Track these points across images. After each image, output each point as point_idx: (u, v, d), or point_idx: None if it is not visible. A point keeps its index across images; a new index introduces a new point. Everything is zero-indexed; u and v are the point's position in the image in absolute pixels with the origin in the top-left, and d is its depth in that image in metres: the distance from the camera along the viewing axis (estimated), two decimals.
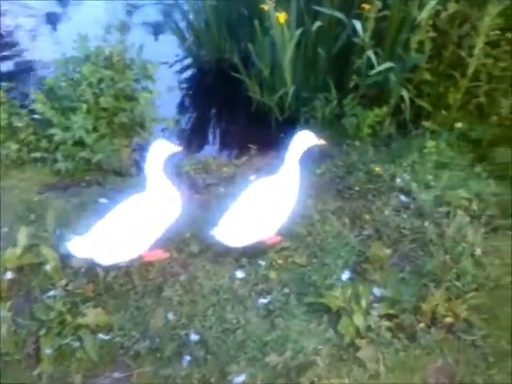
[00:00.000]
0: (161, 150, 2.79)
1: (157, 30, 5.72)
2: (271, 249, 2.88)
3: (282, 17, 4.13)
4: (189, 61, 5.43)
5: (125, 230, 2.68)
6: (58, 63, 4.09)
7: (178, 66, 5.41)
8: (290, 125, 4.50)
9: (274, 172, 2.93)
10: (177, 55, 5.46)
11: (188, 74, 5.40)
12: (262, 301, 2.62)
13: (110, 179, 3.64)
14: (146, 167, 2.79)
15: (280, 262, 2.82)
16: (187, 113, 4.98)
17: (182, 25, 5.29)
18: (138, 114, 3.99)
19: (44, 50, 5.13)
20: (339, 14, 4.16)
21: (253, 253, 2.89)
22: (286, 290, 2.67)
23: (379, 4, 3.88)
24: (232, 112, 4.82)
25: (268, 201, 2.82)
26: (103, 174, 3.70)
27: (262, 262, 2.82)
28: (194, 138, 4.62)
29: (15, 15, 5.43)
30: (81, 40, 4.12)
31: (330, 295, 2.51)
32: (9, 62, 5.11)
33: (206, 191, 3.50)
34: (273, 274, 2.74)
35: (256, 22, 4.33)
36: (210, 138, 4.72)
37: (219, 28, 5.10)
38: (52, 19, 5.52)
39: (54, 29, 5.21)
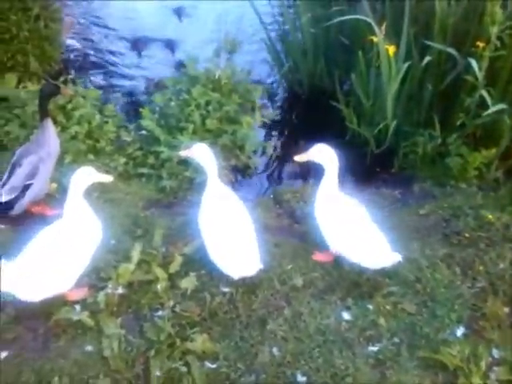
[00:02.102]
0: (84, 177, 2.72)
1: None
2: (377, 292, 2.81)
3: (391, 49, 4.08)
4: (283, 84, 5.44)
5: (46, 261, 2.55)
6: (169, 82, 4.24)
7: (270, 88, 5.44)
8: (386, 158, 4.42)
9: None
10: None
11: (281, 97, 5.41)
12: (372, 348, 2.54)
13: None
14: (68, 193, 2.71)
15: (388, 307, 2.73)
16: (278, 138, 4.95)
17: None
18: (240, 136, 4.05)
19: None
20: (451, 50, 4.06)
21: (358, 294, 2.83)
22: (396, 340, 2.58)
23: (497, 43, 3.76)
24: (325, 141, 4.76)
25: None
26: None
27: (370, 306, 2.74)
28: (285, 165, 4.60)
29: None
30: (190, 61, 4.25)
31: (447, 352, 2.40)
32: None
33: (305, 221, 3.48)
34: (381, 321, 2.65)
35: (360, 53, 4.30)
36: (303, 165, 4.67)
37: (316, 55, 5.09)
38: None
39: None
